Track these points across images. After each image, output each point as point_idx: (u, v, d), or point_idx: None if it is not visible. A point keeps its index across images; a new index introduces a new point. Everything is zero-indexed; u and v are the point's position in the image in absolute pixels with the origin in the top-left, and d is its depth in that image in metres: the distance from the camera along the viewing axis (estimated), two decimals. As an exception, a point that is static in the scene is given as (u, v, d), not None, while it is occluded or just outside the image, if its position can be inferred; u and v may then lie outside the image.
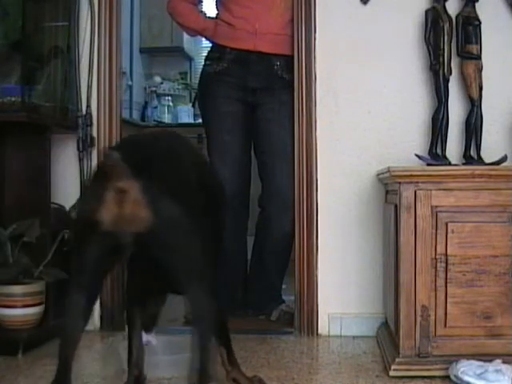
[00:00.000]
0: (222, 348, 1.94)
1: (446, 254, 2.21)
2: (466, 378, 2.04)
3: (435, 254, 2.21)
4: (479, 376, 2.03)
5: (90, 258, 1.55)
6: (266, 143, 3.02)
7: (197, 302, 1.60)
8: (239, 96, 2.99)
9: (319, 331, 2.83)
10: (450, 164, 2.62)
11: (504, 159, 2.54)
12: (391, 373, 2.19)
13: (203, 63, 3.12)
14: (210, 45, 3.14)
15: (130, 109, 5.49)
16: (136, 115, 5.60)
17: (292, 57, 2.87)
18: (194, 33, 3.23)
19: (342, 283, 2.83)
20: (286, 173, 2.91)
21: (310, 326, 2.83)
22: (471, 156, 2.67)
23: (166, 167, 1.60)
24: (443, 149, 2.67)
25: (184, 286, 1.59)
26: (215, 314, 1.67)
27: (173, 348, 2.32)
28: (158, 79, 5.90)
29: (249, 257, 3.21)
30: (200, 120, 3.47)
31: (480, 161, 2.64)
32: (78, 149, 2.89)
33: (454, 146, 2.73)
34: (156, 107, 5.80)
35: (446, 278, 2.20)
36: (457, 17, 2.68)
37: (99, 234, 1.51)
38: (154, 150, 1.66)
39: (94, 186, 1.59)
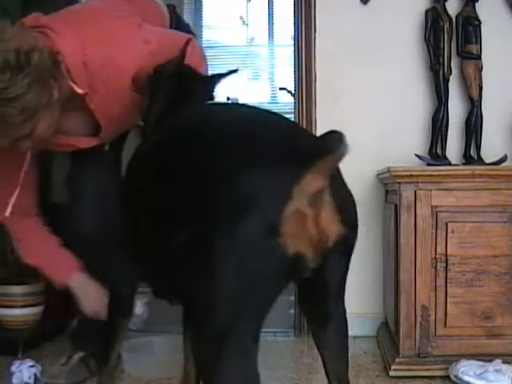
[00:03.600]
0: None
1: (446, 254, 2.21)
2: (466, 378, 2.04)
3: (435, 254, 2.21)
4: (479, 376, 2.03)
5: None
6: None
7: (343, 320, 1.38)
8: None
9: (319, 331, 2.82)
10: (450, 164, 2.62)
11: (504, 159, 2.55)
12: (391, 373, 2.19)
13: None
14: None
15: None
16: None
17: None
18: None
19: (342, 283, 2.82)
20: None
21: (310, 325, 2.82)
22: (471, 156, 2.67)
23: None
24: (443, 149, 2.68)
25: (333, 302, 1.33)
26: None
27: (173, 348, 2.32)
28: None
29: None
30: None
31: (480, 161, 2.64)
32: (78, 149, 2.89)
33: (454, 146, 2.73)
34: (156, 107, 5.80)
35: (446, 278, 2.20)
36: (457, 17, 2.68)
37: (284, 265, 1.01)
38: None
39: (275, 187, 1.05)
